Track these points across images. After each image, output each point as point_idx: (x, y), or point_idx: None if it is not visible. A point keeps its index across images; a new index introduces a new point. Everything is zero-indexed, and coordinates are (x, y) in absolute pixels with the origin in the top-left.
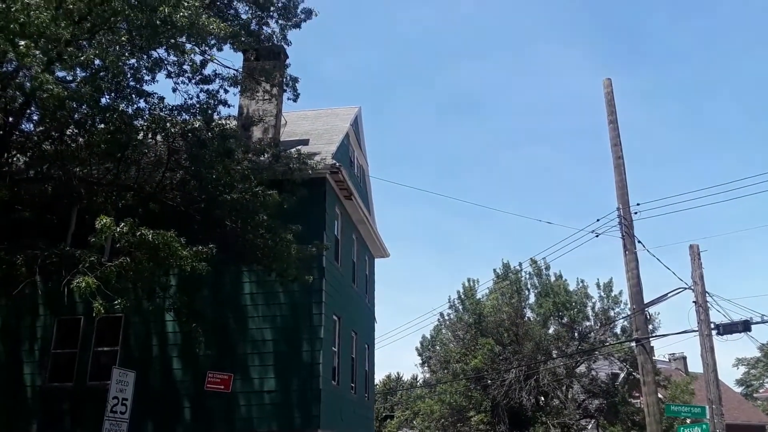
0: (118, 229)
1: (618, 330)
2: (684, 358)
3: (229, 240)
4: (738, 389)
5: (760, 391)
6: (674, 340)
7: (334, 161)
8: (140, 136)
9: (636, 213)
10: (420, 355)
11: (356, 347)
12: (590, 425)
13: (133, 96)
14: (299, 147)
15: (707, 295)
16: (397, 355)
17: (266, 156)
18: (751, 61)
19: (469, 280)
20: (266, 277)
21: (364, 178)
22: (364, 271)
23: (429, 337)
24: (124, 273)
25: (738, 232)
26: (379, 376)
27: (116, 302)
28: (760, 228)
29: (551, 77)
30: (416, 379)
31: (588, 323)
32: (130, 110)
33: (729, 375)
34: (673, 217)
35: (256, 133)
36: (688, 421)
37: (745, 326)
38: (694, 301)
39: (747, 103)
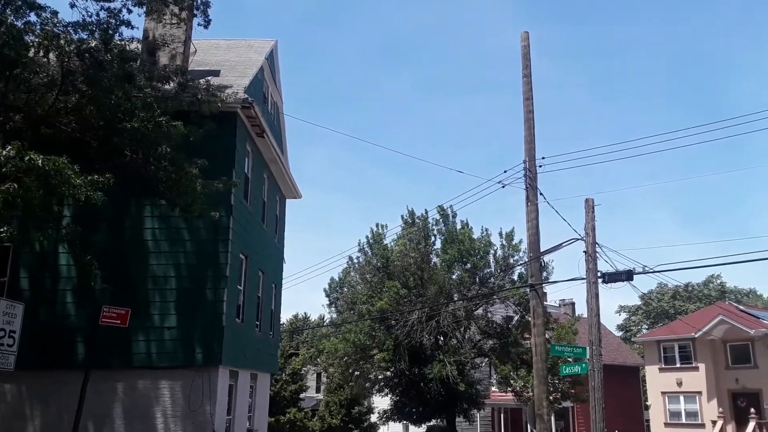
0: (4, 153)
1: (516, 276)
2: (573, 304)
3: (129, 171)
4: (618, 334)
5: (638, 336)
6: (565, 287)
7: (247, 96)
8: (31, 53)
9: (541, 166)
10: (328, 296)
11: (263, 286)
12: (483, 363)
13: (24, 8)
14: (209, 78)
15: (597, 246)
16: (305, 295)
17: (172, 84)
18: (669, 22)
19: (378, 225)
20: (170, 212)
21: (278, 116)
22: (275, 211)
23: (337, 279)
24: (11, 200)
25: (632, 188)
26: (286, 316)
27: (2, 230)
28: (650, 186)
29: (479, 29)
30: (323, 319)
31: (489, 269)
32: (19, 23)
33: (612, 321)
34: (575, 171)
35: (162, 59)
36: (570, 360)
37: (627, 276)
38: (584, 251)
39: (663, 64)
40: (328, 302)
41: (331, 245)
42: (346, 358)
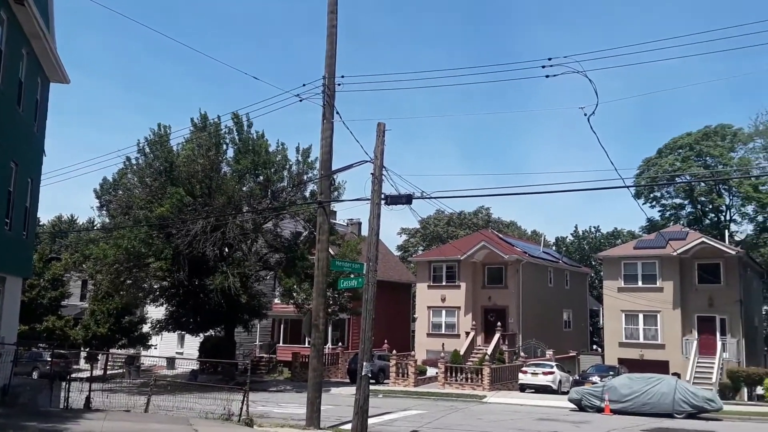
0: None
1: (308, 193)
2: (359, 224)
3: None
4: (397, 253)
5: (413, 256)
6: (352, 206)
7: None
8: None
9: (339, 85)
10: (99, 198)
11: (16, 179)
12: (268, 276)
13: None
14: None
15: (384, 169)
16: (72, 196)
17: None
18: None
19: (160, 126)
20: None
21: None
22: (35, 95)
23: (111, 180)
24: None
25: (421, 118)
26: (47, 216)
27: None
28: (439, 117)
29: None
30: (92, 222)
31: (282, 184)
32: None
33: (393, 241)
34: (372, 96)
35: None
36: (352, 275)
37: (407, 199)
38: (372, 174)
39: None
40: (98, 204)
41: (104, 142)
42: (117, 265)
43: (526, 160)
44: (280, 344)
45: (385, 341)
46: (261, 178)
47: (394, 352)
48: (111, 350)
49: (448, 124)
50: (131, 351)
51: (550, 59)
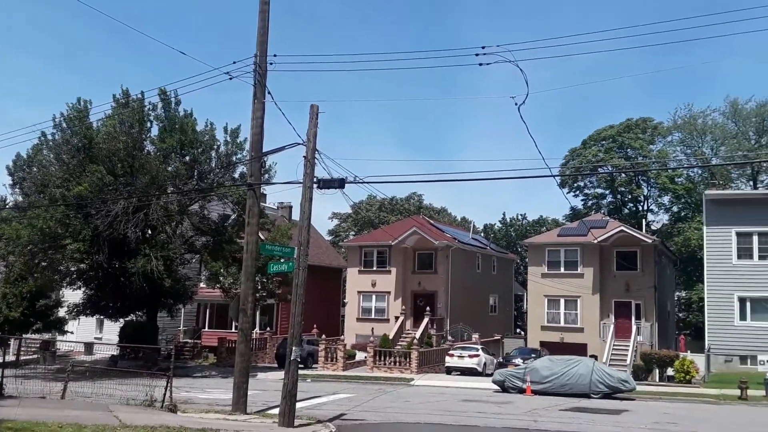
0: None
1: (237, 175)
2: (290, 208)
3: None
4: (329, 238)
5: (345, 240)
6: (284, 190)
7: None
8: None
9: (272, 64)
10: (11, 175)
11: None
12: (194, 259)
13: None
14: None
15: (317, 152)
16: None
17: None
18: None
19: (80, 100)
20: None
21: None
22: None
23: (26, 156)
24: None
25: (358, 101)
26: None
27: None
28: (374, 102)
29: None
30: (4, 201)
31: (210, 165)
32: None
33: (325, 226)
34: (306, 77)
35: None
36: (282, 260)
37: (340, 183)
38: (304, 156)
39: None
40: (11, 182)
41: (19, 116)
42: (31, 246)
43: (459, 147)
44: (206, 329)
45: (315, 326)
46: (187, 158)
47: (324, 336)
48: (25, 335)
49: (383, 110)
50: (46, 336)
51: (483, 47)
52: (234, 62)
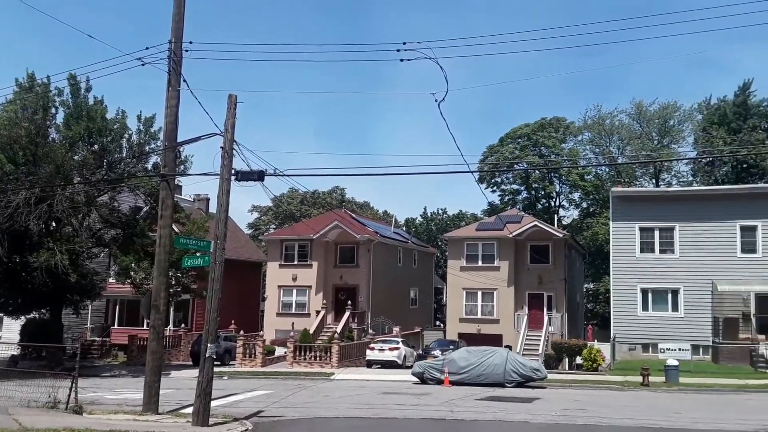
0: None
1: (150, 165)
2: (207, 200)
3: None
4: (248, 231)
5: (265, 234)
6: (199, 181)
7: None
8: None
9: (188, 51)
10: None
11: None
12: (103, 254)
13: None
14: None
15: (235, 143)
16: None
17: None
18: None
19: None
20: None
21: None
22: None
23: None
24: None
25: (277, 92)
26: None
27: None
28: (297, 94)
29: None
30: None
31: (120, 154)
32: None
33: (244, 219)
34: (231, 67)
35: None
36: (198, 254)
37: (259, 176)
38: (222, 147)
39: None
40: None
41: None
42: None
43: (382, 142)
44: (116, 327)
45: (233, 322)
46: (96, 146)
47: (242, 332)
48: None
49: (305, 103)
50: None
51: (404, 43)
52: (147, 48)
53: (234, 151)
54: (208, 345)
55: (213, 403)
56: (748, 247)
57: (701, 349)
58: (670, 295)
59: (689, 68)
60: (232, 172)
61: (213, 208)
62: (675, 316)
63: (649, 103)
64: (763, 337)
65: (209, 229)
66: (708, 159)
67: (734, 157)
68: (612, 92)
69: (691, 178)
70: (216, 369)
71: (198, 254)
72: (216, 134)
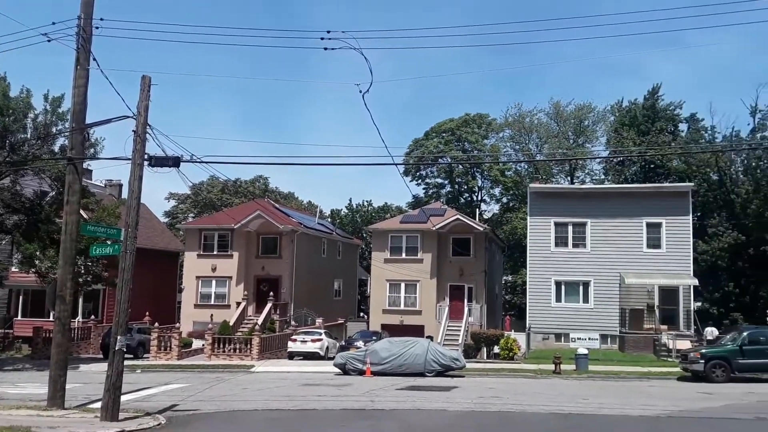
0: None
1: (57, 148)
2: (120, 186)
3: None
4: (165, 220)
5: (183, 223)
6: (114, 166)
7: None
8: None
9: (98, 28)
10: None
11: None
12: (5, 241)
13: None
14: None
15: (148, 127)
16: None
17: None
18: None
19: None
20: None
21: None
22: None
23: None
24: None
25: (195, 76)
26: None
27: None
28: (217, 79)
29: None
30: None
31: (24, 135)
32: None
33: (161, 206)
34: (149, 49)
35: None
36: (108, 242)
37: (175, 162)
38: (134, 131)
39: None
40: None
41: None
42: None
43: (306, 131)
44: (19, 318)
45: (147, 313)
46: None
47: (157, 324)
48: None
49: (226, 89)
50: None
51: (329, 32)
52: (53, 23)
53: (148, 135)
54: (118, 337)
55: (124, 398)
56: (653, 242)
57: (609, 339)
58: (581, 287)
59: (603, 71)
60: (146, 156)
61: (126, 194)
62: (586, 308)
63: (566, 104)
64: (665, 327)
65: (121, 215)
66: (619, 159)
67: (642, 157)
68: (532, 91)
69: (603, 177)
70: (129, 362)
71: (108, 242)
72: (128, 117)
